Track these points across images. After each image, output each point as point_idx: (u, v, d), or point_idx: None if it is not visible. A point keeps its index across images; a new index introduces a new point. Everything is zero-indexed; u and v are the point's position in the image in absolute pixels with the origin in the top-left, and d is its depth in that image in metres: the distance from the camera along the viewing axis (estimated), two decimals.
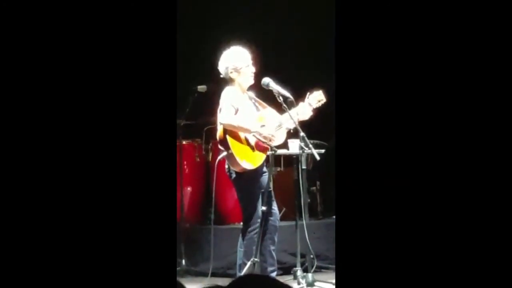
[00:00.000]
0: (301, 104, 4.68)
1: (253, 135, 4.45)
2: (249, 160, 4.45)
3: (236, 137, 4.47)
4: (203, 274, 5.30)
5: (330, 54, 2.78)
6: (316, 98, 4.75)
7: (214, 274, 5.13)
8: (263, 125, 4.58)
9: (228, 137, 4.44)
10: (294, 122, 4.53)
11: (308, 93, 4.74)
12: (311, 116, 4.73)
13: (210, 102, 4.97)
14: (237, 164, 4.42)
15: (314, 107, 4.74)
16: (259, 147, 4.51)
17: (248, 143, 4.49)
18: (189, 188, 5.94)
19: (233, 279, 1.49)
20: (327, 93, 4.75)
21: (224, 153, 4.48)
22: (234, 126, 4.45)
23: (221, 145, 4.52)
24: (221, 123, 4.49)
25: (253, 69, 4.60)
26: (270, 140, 4.46)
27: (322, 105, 4.77)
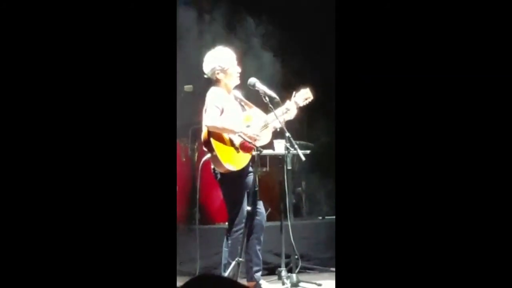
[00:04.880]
0: (287, 102, 4.62)
1: (238, 136, 4.43)
2: (233, 161, 4.44)
3: (220, 139, 4.45)
4: (189, 274, 5.29)
5: (318, 51, 2.76)
6: (303, 96, 4.68)
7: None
8: (249, 126, 4.56)
9: (212, 139, 4.42)
10: (280, 123, 4.51)
11: (294, 92, 4.70)
12: (297, 115, 4.69)
13: (196, 102, 4.94)
14: (222, 166, 4.41)
15: (301, 105, 4.69)
16: (244, 148, 4.49)
17: (233, 144, 4.47)
18: None
19: (190, 278, 1.50)
20: (314, 91, 4.70)
21: (209, 155, 4.47)
22: (218, 128, 4.43)
23: (205, 146, 4.50)
24: (205, 125, 4.47)
25: (239, 69, 4.57)
26: (255, 140, 4.43)
27: (309, 103, 4.73)
